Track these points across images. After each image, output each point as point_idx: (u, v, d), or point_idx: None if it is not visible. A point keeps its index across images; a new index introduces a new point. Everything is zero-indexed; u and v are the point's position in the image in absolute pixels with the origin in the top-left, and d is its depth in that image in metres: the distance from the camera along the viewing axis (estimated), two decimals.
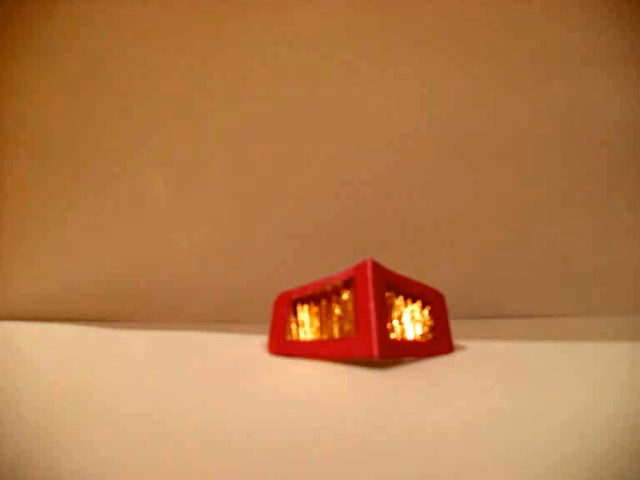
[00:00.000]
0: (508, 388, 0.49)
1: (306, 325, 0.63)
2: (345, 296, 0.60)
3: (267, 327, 0.68)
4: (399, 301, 0.61)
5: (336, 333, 0.60)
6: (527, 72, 0.79)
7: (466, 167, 0.82)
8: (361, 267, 0.59)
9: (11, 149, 0.91)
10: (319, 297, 0.63)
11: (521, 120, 0.80)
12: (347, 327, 0.59)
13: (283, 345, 0.64)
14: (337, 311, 0.60)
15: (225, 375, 0.57)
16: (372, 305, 0.57)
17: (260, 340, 0.71)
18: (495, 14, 0.79)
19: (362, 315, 0.57)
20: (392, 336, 0.59)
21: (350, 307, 0.59)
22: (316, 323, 0.62)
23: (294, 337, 0.64)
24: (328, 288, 0.62)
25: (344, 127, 0.84)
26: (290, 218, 0.86)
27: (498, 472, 0.34)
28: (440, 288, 0.65)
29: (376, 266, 0.59)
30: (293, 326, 0.64)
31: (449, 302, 0.66)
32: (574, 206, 0.80)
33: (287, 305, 0.65)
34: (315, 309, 0.63)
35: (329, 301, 0.62)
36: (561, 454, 0.36)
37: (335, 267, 0.68)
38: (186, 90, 0.87)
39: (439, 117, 0.82)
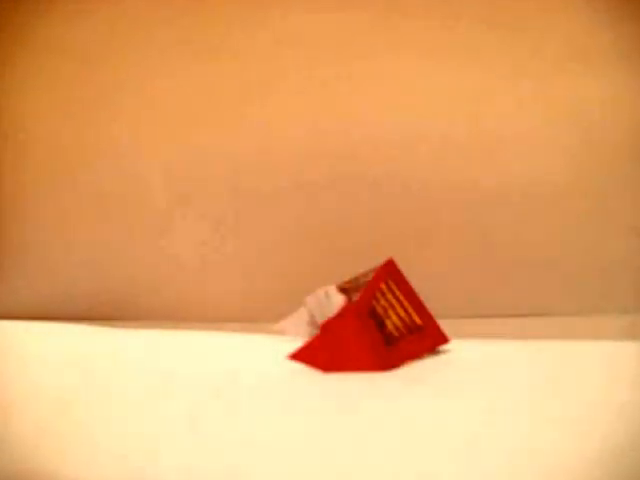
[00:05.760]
0: (508, 387, 0.49)
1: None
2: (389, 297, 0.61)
3: (266, 327, 0.68)
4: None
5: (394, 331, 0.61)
6: (527, 70, 0.79)
7: (466, 164, 0.82)
8: (391, 264, 0.61)
9: (11, 149, 0.91)
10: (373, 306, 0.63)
11: (523, 118, 0.80)
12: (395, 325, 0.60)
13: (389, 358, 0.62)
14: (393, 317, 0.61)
15: (224, 375, 0.57)
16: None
17: (259, 340, 0.71)
18: (498, 12, 0.79)
19: (419, 310, 0.60)
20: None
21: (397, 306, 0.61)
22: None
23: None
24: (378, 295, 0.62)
25: (342, 127, 0.84)
26: (290, 218, 0.86)
27: (498, 472, 0.34)
28: (440, 288, 0.65)
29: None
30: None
31: (449, 302, 0.66)
32: (574, 205, 0.80)
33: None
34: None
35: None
36: (561, 453, 0.36)
37: (335, 267, 0.68)
38: (186, 90, 0.87)
39: (441, 116, 0.82)
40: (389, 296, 0.61)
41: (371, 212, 0.84)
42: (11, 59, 0.89)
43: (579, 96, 0.79)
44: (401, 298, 0.62)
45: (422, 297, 0.63)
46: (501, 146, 0.81)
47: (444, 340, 0.62)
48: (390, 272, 0.62)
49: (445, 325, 0.62)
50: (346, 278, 0.66)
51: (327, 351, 0.58)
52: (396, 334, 0.60)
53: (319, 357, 0.58)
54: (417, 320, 0.62)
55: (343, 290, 0.65)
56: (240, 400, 0.49)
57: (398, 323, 0.61)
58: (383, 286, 0.61)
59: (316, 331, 0.62)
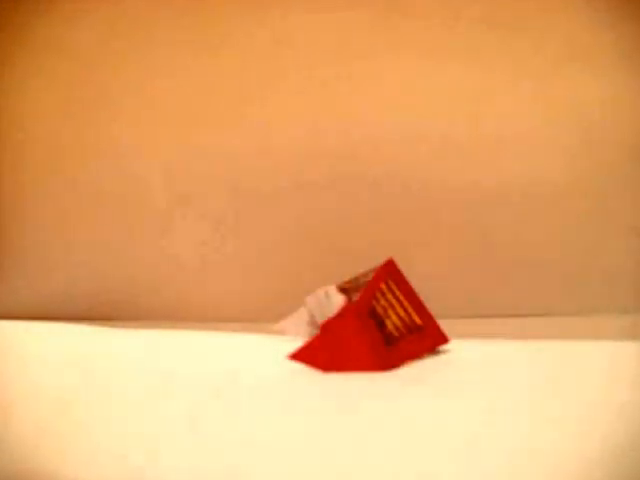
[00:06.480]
0: (508, 387, 0.49)
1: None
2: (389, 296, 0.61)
3: (266, 327, 0.68)
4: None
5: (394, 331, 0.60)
6: (527, 70, 0.79)
7: (466, 164, 0.82)
8: (391, 264, 0.61)
9: (10, 149, 0.91)
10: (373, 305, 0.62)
11: (523, 118, 0.80)
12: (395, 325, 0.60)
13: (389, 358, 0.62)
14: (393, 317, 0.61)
15: (224, 375, 0.57)
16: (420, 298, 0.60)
17: (259, 340, 0.71)
18: (498, 12, 0.79)
19: (419, 310, 0.60)
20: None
21: (397, 306, 0.61)
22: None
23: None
24: (378, 295, 0.62)
25: (342, 127, 0.84)
26: (290, 218, 0.86)
27: (498, 472, 0.34)
28: (440, 288, 0.65)
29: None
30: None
31: (449, 302, 0.66)
32: (574, 205, 0.80)
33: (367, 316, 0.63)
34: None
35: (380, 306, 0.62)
36: (561, 453, 0.36)
37: (335, 267, 0.68)
38: (186, 90, 0.87)
39: (441, 116, 0.82)
40: (389, 296, 0.61)
41: (371, 212, 0.84)
42: (11, 59, 0.90)
43: (579, 96, 0.79)
44: (401, 298, 0.62)
45: (422, 297, 0.63)
46: (501, 146, 0.81)
47: (444, 340, 0.62)
48: (390, 272, 0.62)
49: (445, 325, 0.62)
50: (346, 278, 0.66)
51: (327, 351, 0.58)
52: (396, 334, 0.60)
53: (319, 357, 0.58)
54: (417, 320, 0.62)
55: (343, 290, 0.65)
56: (240, 400, 0.49)
57: (398, 323, 0.61)
58: (383, 286, 0.61)
59: (316, 331, 0.62)
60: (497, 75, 0.80)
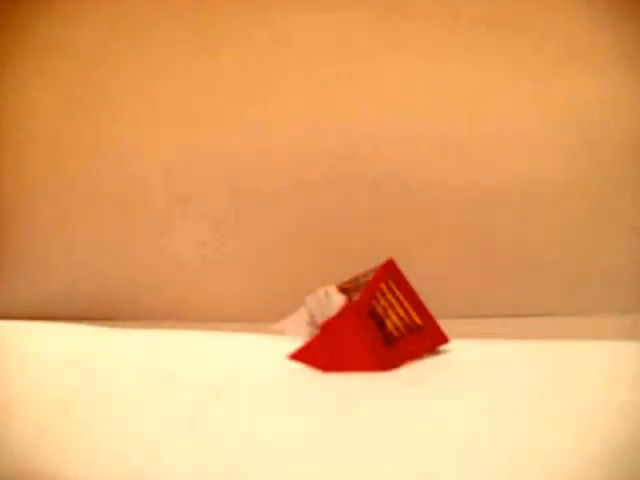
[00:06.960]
0: (508, 387, 0.49)
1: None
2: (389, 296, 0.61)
3: (266, 327, 0.68)
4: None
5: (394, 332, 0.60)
6: (527, 70, 0.79)
7: (466, 164, 0.82)
8: (391, 264, 0.61)
9: (10, 149, 0.91)
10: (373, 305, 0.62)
11: (523, 118, 0.80)
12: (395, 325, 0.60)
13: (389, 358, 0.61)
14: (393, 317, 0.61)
15: (224, 375, 0.57)
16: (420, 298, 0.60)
17: (259, 340, 0.71)
18: (498, 12, 0.79)
19: (419, 310, 0.60)
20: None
21: (397, 306, 0.61)
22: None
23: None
24: (378, 295, 0.62)
25: (342, 127, 0.84)
26: (290, 218, 0.86)
27: (498, 472, 0.34)
28: (440, 288, 0.65)
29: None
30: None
31: (449, 302, 0.66)
32: (574, 205, 0.80)
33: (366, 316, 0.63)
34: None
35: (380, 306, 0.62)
36: (561, 453, 0.36)
37: (335, 267, 0.67)
38: (186, 90, 0.87)
39: (441, 116, 0.82)
40: (389, 296, 0.61)
41: (371, 212, 0.84)
42: (11, 59, 0.90)
43: (579, 96, 0.79)
44: (401, 298, 0.62)
45: (422, 297, 0.63)
46: (501, 146, 0.81)
47: (444, 340, 0.62)
48: (390, 272, 0.62)
49: (445, 325, 0.62)
50: (346, 278, 0.66)
51: (327, 351, 0.58)
52: (396, 334, 0.60)
53: (319, 357, 0.58)
54: (417, 320, 0.62)
55: (343, 290, 0.65)
56: (240, 400, 0.49)
57: (398, 323, 0.61)
58: (383, 286, 0.61)
59: (316, 331, 0.62)
60: (497, 75, 0.80)
